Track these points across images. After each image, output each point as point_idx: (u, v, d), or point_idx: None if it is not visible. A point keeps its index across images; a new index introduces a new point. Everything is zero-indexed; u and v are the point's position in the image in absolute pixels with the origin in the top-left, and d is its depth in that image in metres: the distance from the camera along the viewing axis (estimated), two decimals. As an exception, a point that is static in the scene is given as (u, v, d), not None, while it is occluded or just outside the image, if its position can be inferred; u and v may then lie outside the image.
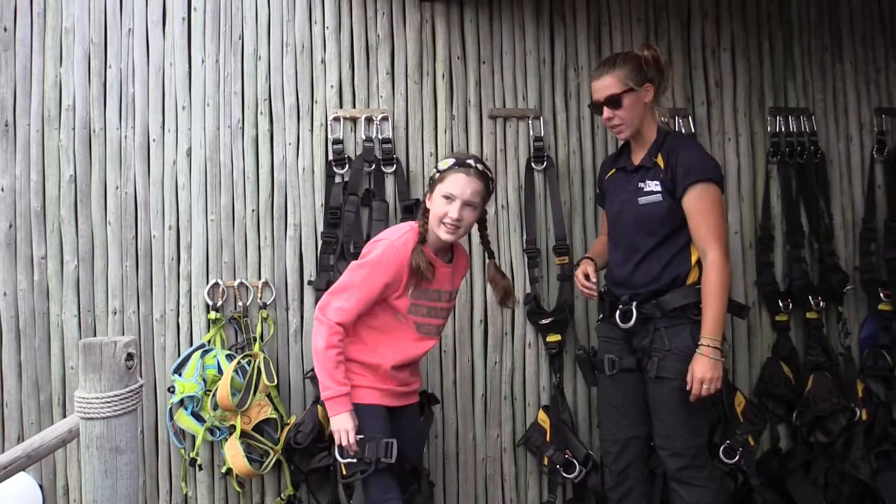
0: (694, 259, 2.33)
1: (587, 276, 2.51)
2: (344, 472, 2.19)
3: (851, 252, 3.29)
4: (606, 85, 2.34)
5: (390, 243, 2.21)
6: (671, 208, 2.30)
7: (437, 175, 2.24)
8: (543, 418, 2.93)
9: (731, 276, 2.28)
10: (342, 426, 2.12)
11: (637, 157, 2.43)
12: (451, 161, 2.24)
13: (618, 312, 2.40)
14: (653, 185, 2.33)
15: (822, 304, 3.13)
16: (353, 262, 2.29)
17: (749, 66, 3.27)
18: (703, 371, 2.18)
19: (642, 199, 2.34)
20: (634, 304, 2.35)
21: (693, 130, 3.15)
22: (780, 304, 3.13)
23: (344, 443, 2.12)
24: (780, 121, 3.25)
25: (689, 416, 2.30)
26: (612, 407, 2.50)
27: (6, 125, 2.74)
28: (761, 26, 3.29)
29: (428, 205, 2.26)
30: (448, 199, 2.19)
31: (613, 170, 2.56)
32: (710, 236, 2.25)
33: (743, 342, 3.17)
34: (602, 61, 2.52)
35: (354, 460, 2.15)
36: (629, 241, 2.40)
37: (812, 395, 3.00)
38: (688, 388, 2.21)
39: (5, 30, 2.76)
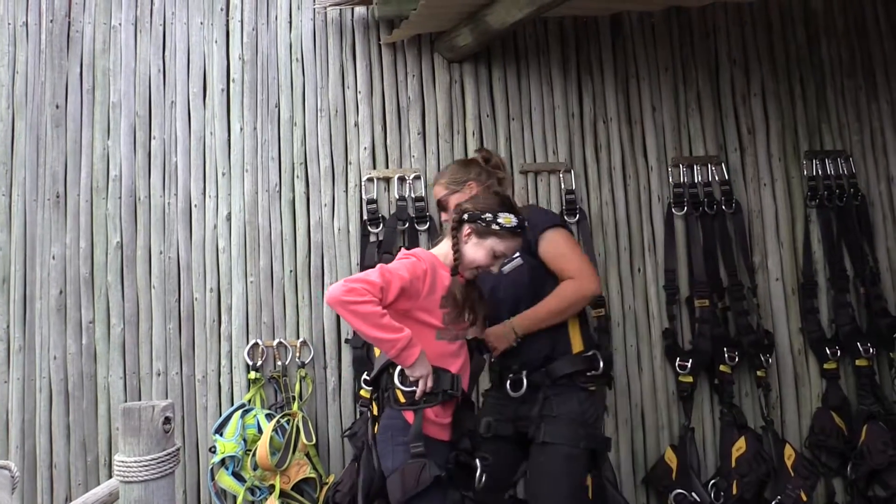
0: (575, 327, 2.34)
1: None
2: (402, 400, 2.03)
3: (900, 295, 3.19)
4: (436, 193, 2.51)
5: (419, 258, 2.11)
6: (532, 266, 2.34)
7: (496, 228, 2.13)
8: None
9: (590, 301, 2.37)
10: (424, 372, 2.00)
11: None
12: (515, 222, 2.15)
13: (508, 382, 2.36)
14: None
15: (871, 350, 3.03)
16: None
17: (781, 111, 3.25)
18: (496, 337, 2.27)
19: (506, 268, 2.32)
20: (524, 372, 2.33)
21: (727, 177, 3.14)
22: (828, 351, 3.04)
23: (422, 388, 2.00)
24: (816, 164, 3.21)
25: (570, 483, 2.21)
26: None
27: (57, 196, 2.89)
28: (791, 71, 3.29)
29: (465, 239, 2.14)
30: (496, 257, 2.16)
31: None
32: (574, 270, 2.29)
33: (791, 391, 3.08)
34: None
35: (416, 389, 2.02)
36: (509, 312, 2.38)
37: (867, 446, 2.88)
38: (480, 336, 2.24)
39: (57, 107, 2.93)
